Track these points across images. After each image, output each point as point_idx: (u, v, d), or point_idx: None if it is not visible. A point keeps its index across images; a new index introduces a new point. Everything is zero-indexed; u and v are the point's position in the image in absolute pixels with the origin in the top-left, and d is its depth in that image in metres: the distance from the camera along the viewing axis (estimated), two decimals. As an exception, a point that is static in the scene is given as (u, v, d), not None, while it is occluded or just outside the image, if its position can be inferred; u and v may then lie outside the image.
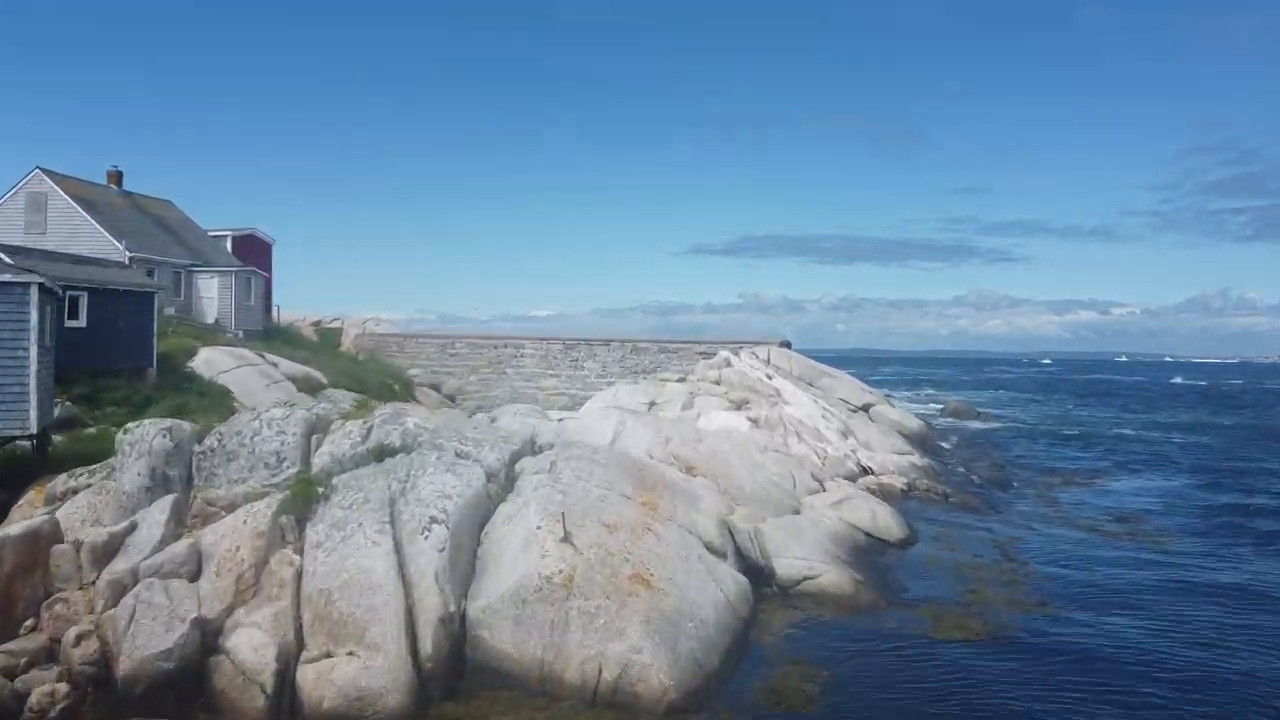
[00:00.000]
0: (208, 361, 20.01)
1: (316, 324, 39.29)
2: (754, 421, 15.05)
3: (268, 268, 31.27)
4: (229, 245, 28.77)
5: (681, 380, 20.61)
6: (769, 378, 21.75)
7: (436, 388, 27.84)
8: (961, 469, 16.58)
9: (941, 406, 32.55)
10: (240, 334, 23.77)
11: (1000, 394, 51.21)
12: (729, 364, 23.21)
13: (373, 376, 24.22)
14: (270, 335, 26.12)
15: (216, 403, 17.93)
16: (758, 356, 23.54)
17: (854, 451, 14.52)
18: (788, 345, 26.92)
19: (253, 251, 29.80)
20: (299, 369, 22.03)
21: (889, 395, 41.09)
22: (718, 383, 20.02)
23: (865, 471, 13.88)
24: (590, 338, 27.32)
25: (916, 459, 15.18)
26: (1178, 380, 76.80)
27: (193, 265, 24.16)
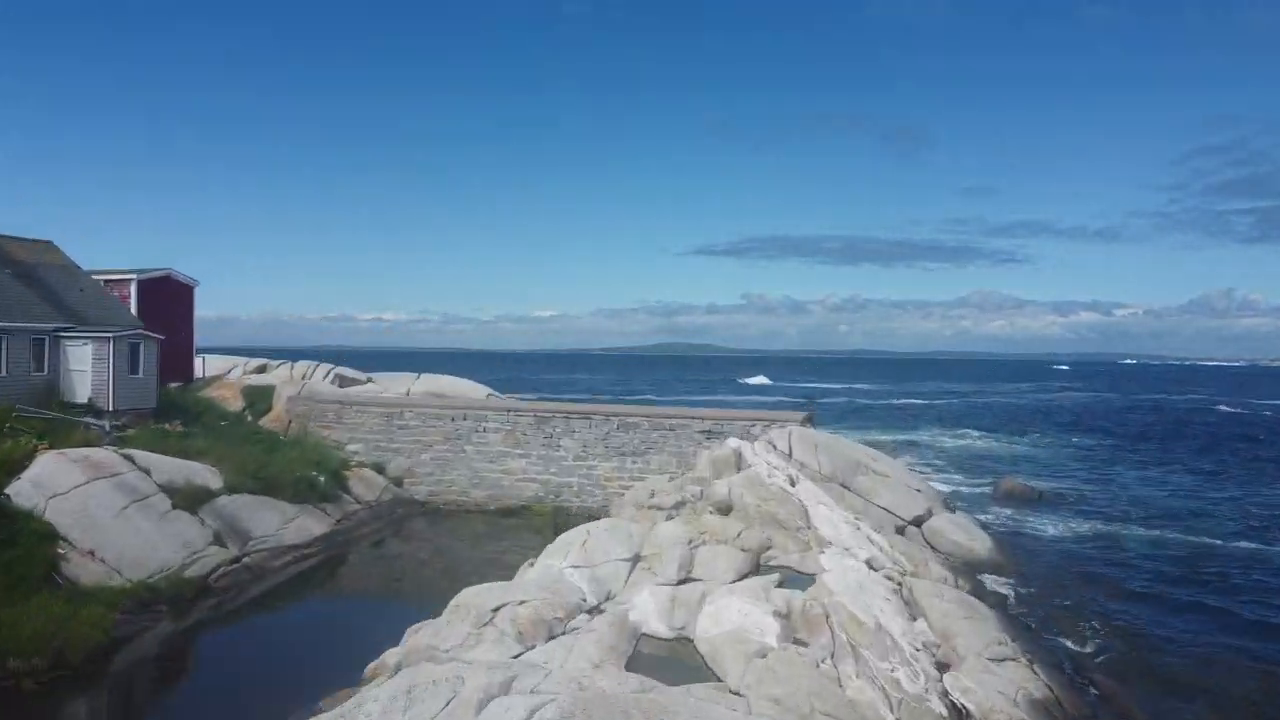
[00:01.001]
0: (40, 479, 15.02)
1: (260, 369, 34.43)
2: (784, 617, 10.14)
3: (188, 316, 26.36)
4: (133, 293, 23.85)
5: (676, 509, 15.54)
6: (792, 483, 16.76)
7: (380, 469, 22.85)
8: (1094, 690, 11.07)
9: (992, 484, 26.96)
10: (117, 420, 18.72)
11: (1046, 439, 45.38)
12: (741, 458, 18.21)
13: (290, 467, 19.27)
14: (169, 410, 21.12)
15: (23, 560, 12.92)
16: (775, 448, 18.52)
17: (936, 674, 9.61)
18: (810, 422, 21.91)
19: (166, 299, 24.91)
20: (182, 471, 17.07)
21: (914, 438, 36.51)
22: (727, 510, 14.98)
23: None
24: (570, 409, 22.25)
25: (1026, 671, 10.19)
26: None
27: (61, 329, 19.18)
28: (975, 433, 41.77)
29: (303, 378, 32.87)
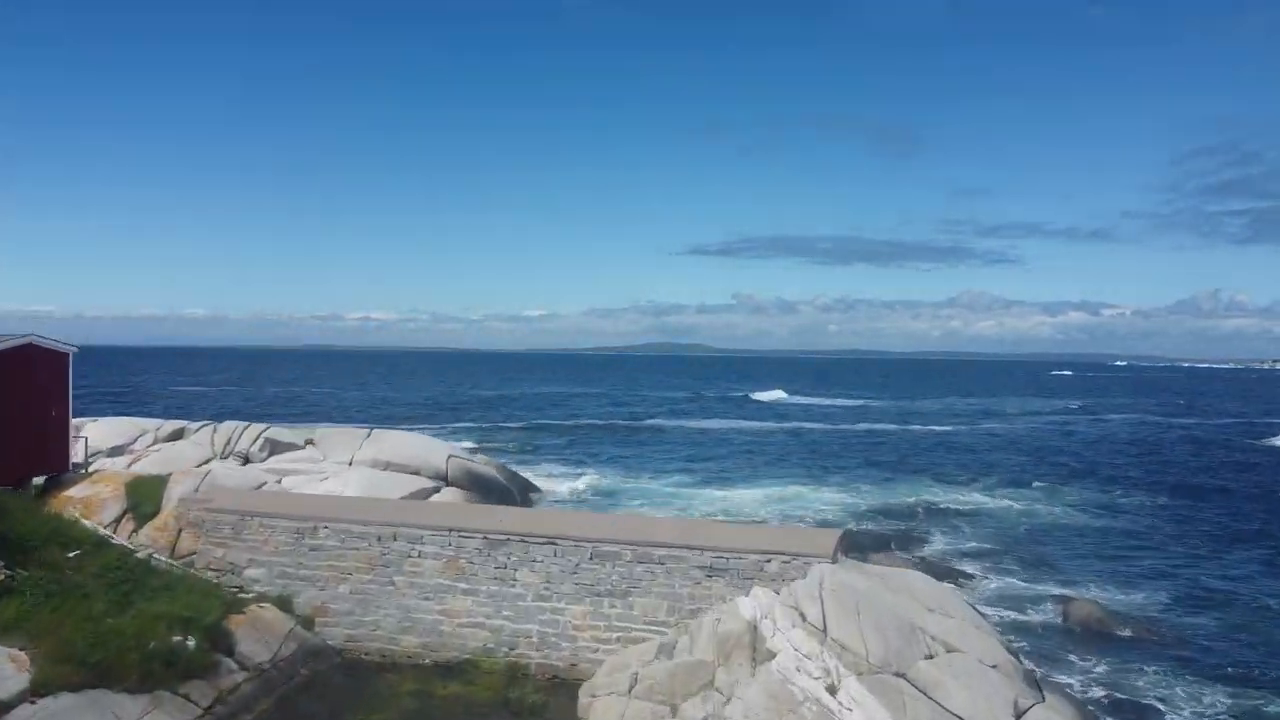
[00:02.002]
0: None
1: (176, 434, 29.26)
2: None
3: (62, 392, 21.22)
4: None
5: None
6: (832, 686, 11.78)
7: (287, 603, 17.83)
8: None
9: (1058, 608, 21.31)
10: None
11: (1089, 497, 39.88)
12: (757, 635, 13.21)
13: (147, 629, 14.23)
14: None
15: None
16: (804, 616, 13.50)
17: None
18: (845, 545, 16.82)
19: (25, 373, 19.86)
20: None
21: (935, 497, 31.05)
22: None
23: None
24: (527, 532, 17.16)
25: None
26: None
27: None
28: (1007, 493, 36.80)
29: (226, 445, 27.86)
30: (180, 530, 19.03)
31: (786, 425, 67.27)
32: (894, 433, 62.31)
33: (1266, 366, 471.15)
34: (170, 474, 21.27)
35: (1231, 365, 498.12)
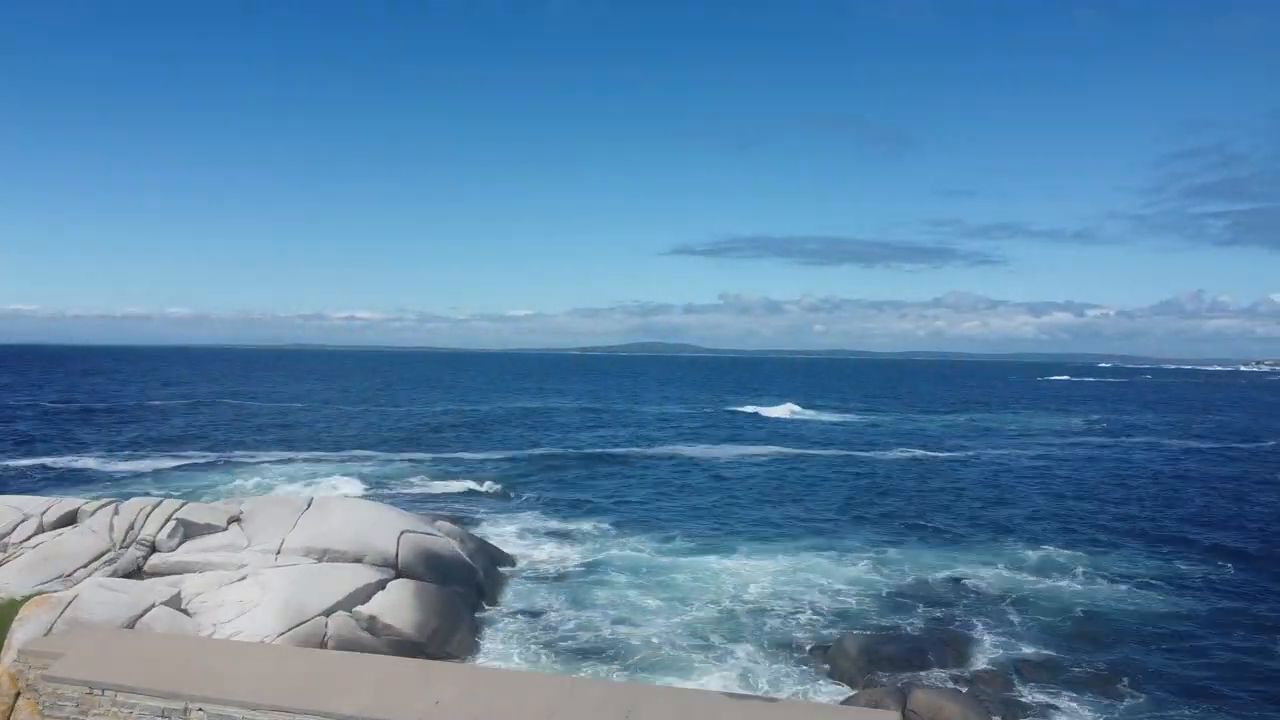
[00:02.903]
0: None
1: (67, 518, 24.27)
2: None
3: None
4: None
5: None
6: None
7: (141, 818, 13.19)
8: None
9: None
10: None
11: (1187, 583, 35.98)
12: None
13: None
14: None
15: None
16: None
17: None
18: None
19: None
20: None
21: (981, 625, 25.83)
22: None
23: None
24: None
25: None
26: None
27: None
28: (1050, 557, 32.28)
29: (128, 532, 23.08)
30: (17, 697, 14.30)
31: (798, 452, 62.69)
32: (906, 464, 57.81)
33: (1254, 368, 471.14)
34: (22, 597, 16.54)
35: (1218, 368, 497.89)
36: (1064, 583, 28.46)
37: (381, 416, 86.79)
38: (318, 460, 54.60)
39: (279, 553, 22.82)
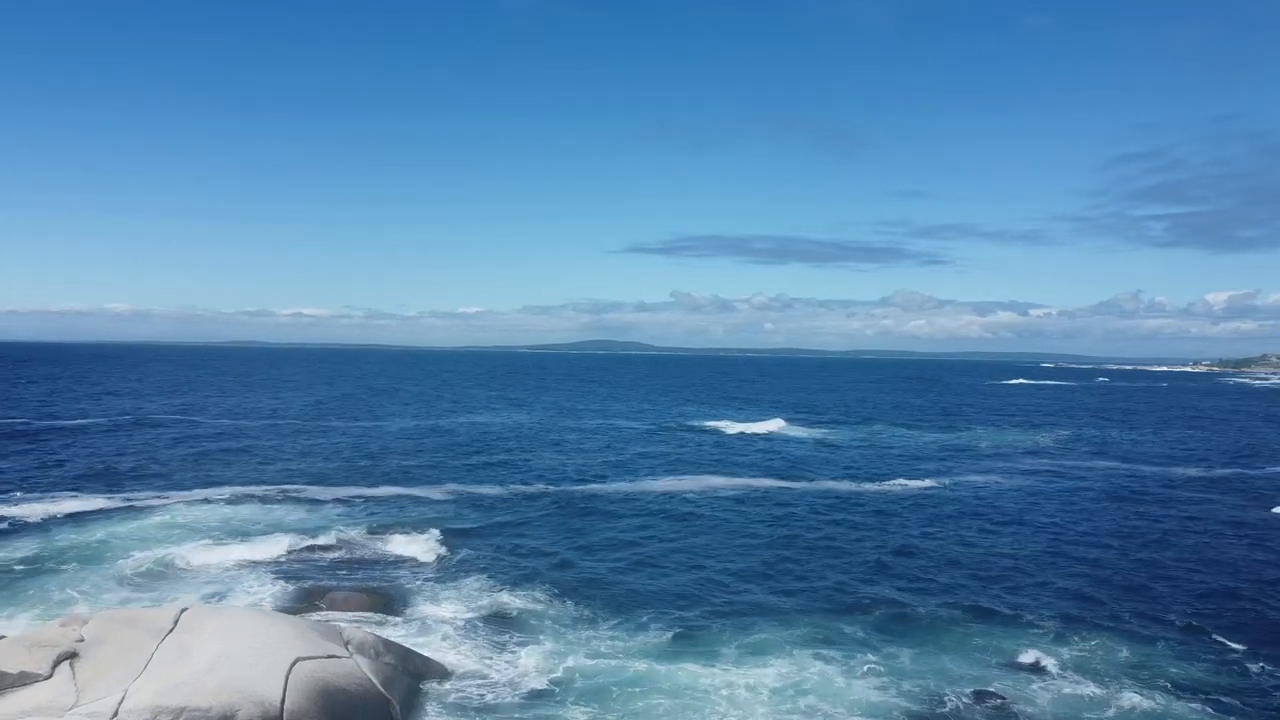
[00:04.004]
0: None
1: None
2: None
3: None
4: None
5: None
6: None
7: None
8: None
9: None
10: None
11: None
12: None
13: None
14: None
15: None
16: None
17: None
18: None
19: None
20: None
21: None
22: None
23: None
24: None
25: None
26: None
27: None
28: (1082, 662, 27.39)
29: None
30: None
31: (785, 486, 57.57)
32: (893, 500, 53.02)
33: (1192, 369, 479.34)
34: None
35: (1160, 368, 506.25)
36: (1096, 688, 23.51)
37: (320, 436, 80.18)
38: (239, 500, 48.29)
39: (118, 713, 16.91)
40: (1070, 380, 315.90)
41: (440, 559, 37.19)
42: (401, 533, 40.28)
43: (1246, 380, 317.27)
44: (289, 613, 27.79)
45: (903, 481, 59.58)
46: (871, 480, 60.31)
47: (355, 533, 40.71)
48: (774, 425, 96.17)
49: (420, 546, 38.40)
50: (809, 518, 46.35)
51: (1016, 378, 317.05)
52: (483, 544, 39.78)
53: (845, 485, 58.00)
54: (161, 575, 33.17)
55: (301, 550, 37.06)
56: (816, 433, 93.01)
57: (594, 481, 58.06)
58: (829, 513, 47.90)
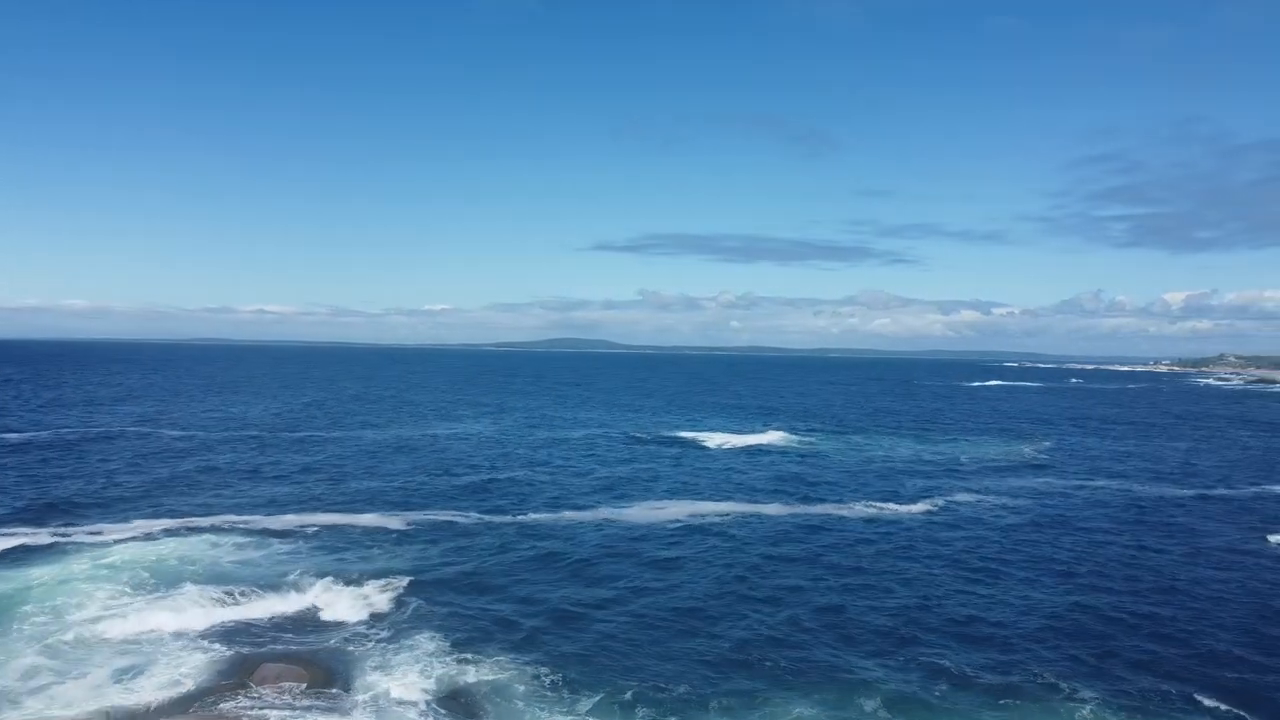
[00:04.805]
0: None
1: None
2: None
3: None
4: None
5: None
6: None
7: None
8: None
9: None
10: None
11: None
12: None
13: None
14: None
15: None
16: None
17: None
18: None
19: None
20: None
21: None
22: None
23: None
24: None
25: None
26: None
27: None
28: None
29: None
30: None
31: (775, 515, 54.29)
32: (887, 534, 50.02)
33: (1154, 368, 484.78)
34: None
35: (1121, 367, 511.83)
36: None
37: (279, 452, 75.87)
38: (181, 533, 44.30)
39: None
40: (1040, 381, 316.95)
41: (395, 610, 33.49)
42: (351, 581, 36.45)
43: (1212, 381, 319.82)
44: (211, 696, 24.10)
45: (894, 507, 56.58)
46: (863, 502, 57.27)
47: (301, 576, 36.82)
48: (758, 438, 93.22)
49: (372, 595, 34.66)
50: (806, 563, 42.78)
51: (991, 379, 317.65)
52: (444, 591, 36.09)
53: (838, 511, 54.85)
54: (78, 642, 29.21)
55: (238, 603, 33.20)
56: (802, 444, 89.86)
57: (567, 508, 54.43)
58: (826, 555, 44.29)
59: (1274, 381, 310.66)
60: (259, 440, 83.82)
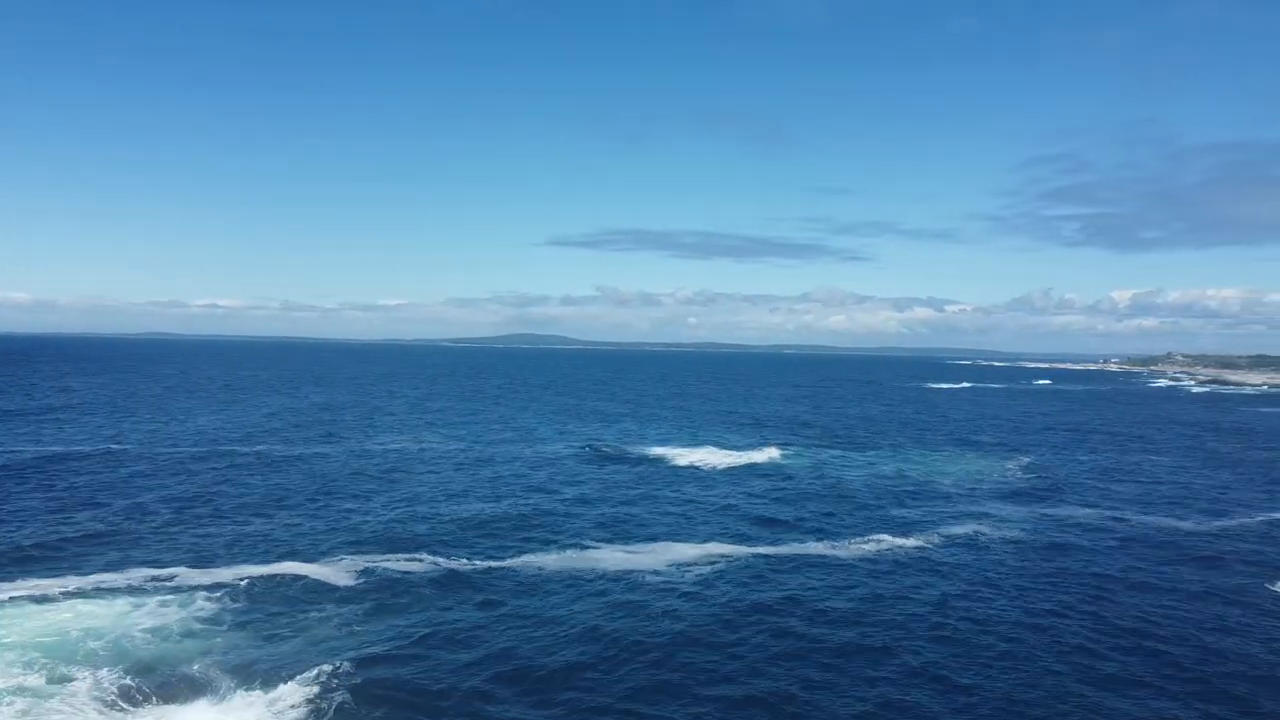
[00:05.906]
0: None
1: None
2: None
3: None
4: None
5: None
6: None
7: None
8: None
9: None
10: None
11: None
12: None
13: None
14: None
15: None
16: None
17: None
18: None
19: None
20: None
21: None
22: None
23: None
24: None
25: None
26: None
27: None
28: None
29: None
30: None
31: (760, 557, 50.07)
32: (873, 584, 46.15)
33: (1103, 366, 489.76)
34: None
35: (1071, 366, 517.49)
36: None
37: (215, 475, 70.41)
38: (90, 593, 39.24)
39: None
40: (1005, 382, 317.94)
41: (325, 711, 28.74)
42: (266, 681, 31.60)
43: (1167, 383, 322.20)
44: None
45: (877, 538, 52.83)
46: (843, 539, 53.41)
47: (210, 668, 31.66)
48: (752, 455, 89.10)
49: (292, 693, 29.75)
50: (802, 623, 38.33)
51: (961, 380, 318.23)
52: (384, 677, 31.38)
53: (822, 551, 50.88)
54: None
55: (128, 698, 28.33)
56: (811, 465, 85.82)
57: (532, 549, 49.76)
58: (816, 624, 39.95)
59: (1228, 383, 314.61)
60: (200, 455, 78.22)
